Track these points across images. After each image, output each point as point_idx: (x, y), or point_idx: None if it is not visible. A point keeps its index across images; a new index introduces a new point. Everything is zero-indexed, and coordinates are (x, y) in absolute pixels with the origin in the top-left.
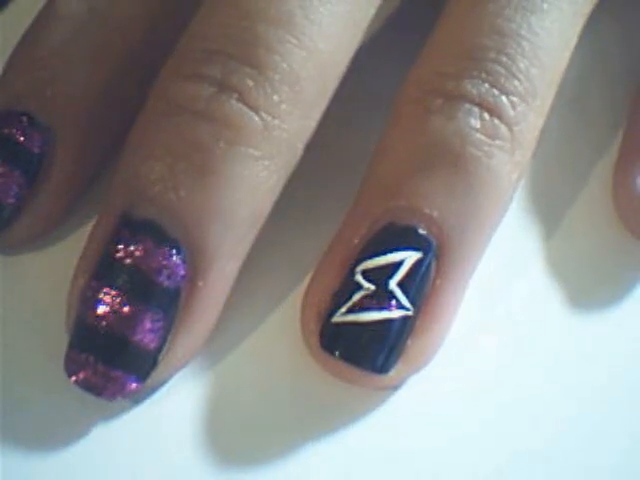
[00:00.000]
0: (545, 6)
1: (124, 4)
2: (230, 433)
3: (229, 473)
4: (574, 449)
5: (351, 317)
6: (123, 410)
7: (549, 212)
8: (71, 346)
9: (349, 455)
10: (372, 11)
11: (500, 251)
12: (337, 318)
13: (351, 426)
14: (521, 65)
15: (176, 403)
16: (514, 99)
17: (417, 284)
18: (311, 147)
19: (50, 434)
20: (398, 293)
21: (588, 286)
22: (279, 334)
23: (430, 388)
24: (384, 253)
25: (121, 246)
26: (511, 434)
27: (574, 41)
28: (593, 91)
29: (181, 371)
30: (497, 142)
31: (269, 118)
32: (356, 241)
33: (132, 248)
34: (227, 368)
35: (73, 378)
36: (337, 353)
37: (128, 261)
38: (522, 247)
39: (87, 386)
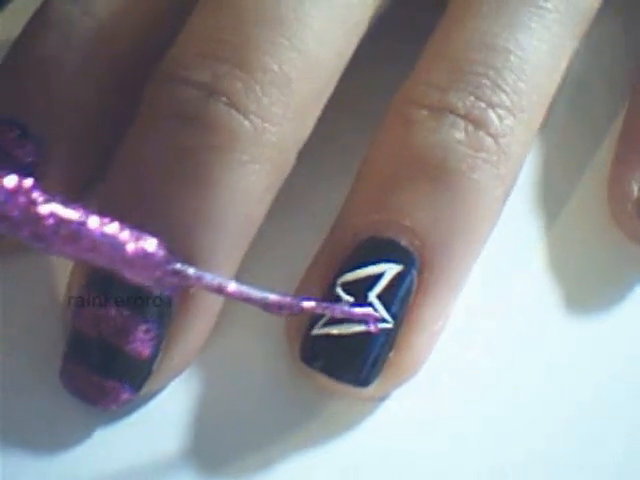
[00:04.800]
0: (533, 25)
1: (118, 9)
2: (226, 439)
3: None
4: (573, 447)
5: (328, 329)
6: (119, 416)
7: (548, 211)
8: (66, 356)
9: (347, 456)
10: (367, 17)
11: (498, 251)
12: (315, 331)
13: (348, 427)
14: (508, 79)
15: (171, 410)
16: (501, 112)
17: (398, 297)
18: (306, 153)
19: (47, 437)
20: (378, 305)
21: (587, 286)
22: (275, 339)
23: (427, 388)
24: (365, 266)
25: None
26: (510, 433)
27: (564, 62)
28: (592, 91)
29: (176, 379)
30: (481, 154)
31: (259, 121)
32: (338, 255)
33: None
34: (221, 375)
35: (68, 388)
36: (317, 365)
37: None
38: (520, 247)
39: (82, 396)
